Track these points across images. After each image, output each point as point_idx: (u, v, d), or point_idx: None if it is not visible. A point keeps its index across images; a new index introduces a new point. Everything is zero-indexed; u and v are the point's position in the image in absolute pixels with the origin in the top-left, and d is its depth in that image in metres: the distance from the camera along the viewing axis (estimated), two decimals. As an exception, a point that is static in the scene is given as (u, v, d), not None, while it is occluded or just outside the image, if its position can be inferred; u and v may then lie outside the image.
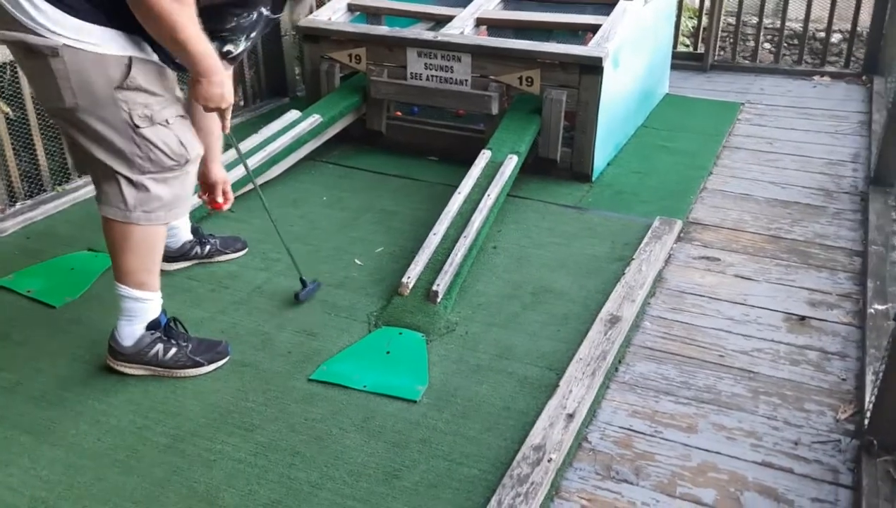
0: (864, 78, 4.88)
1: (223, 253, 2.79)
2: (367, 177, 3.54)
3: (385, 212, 3.21)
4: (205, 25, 1.85)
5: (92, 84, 1.86)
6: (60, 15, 1.80)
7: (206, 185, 2.51)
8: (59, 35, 1.81)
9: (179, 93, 2.07)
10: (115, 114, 1.90)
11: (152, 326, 2.15)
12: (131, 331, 2.14)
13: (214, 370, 2.21)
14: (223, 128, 2.14)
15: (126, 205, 2.00)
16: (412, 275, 2.56)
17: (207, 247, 2.75)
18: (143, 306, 2.12)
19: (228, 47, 2.03)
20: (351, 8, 3.99)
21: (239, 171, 3.15)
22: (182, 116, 2.03)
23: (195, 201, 2.89)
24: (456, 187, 3.01)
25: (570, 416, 2.00)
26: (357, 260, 2.81)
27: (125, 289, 2.10)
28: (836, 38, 6.78)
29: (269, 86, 4.56)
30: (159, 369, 2.17)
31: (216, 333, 2.39)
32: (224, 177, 2.52)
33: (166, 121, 1.97)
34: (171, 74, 2.04)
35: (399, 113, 4.01)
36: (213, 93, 1.93)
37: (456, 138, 3.73)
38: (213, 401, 2.11)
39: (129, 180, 1.98)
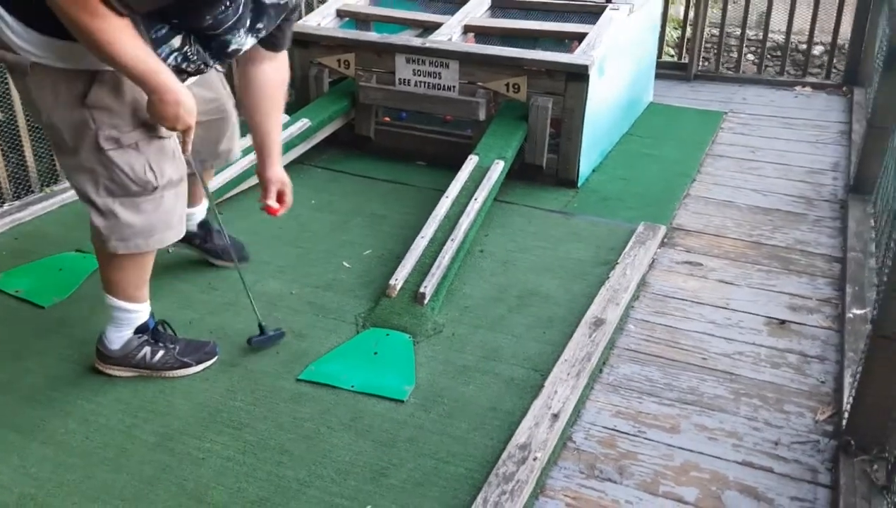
0: (844, 89, 4.97)
1: (220, 257, 2.74)
2: (355, 181, 3.57)
3: (374, 215, 3.23)
4: (188, 27, 1.77)
5: (61, 101, 1.80)
6: (28, 32, 1.73)
7: (260, 184, 2.32)
8: (28, 52, 1.76)
9: None
10: (84, 133, 1.83)
11: (140, 330, 2.15)
12: (119, 336, 2.15)
13: (203, 370, 2.22)
14: (182, 150, 1.97)
15: (101, 236, 1.95)
16: (400, 278, 2.59)
17: (208, 245, 2.71)
18: (131, 316, 2.13)
19: (233, 46, 1.87)
20: (340, 14, 4.03)
21: (228, 173, 3.18)
22: (160, 138, 1.91)
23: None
24: (444, 192, 3.05)
25: (555, 416, 2.03)
26: (345, 263, 2.84)
27: (113, 300, 2.11)
28: (818, 49, 6.89)
29: (257, 90, 4.57)
30: (147, 371, 2.18)
31: (205, 334, 2.40)
32: (280, 178, 2.27)
33: (136, 144, 1.87)
34: None
35: (388, 118, 4.04)
36: (165, 113, 1.79)
37: (444, 144, 3.77)
38: (202, 400, 2.13)
39: (97, 208, 1.92)
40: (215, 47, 1.86)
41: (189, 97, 1.80)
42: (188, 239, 2.59)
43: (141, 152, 1.88)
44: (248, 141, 3.32)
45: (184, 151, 1.98)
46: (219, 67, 2.12)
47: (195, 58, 1.85)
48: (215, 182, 3.12)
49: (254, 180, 3.20)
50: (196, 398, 2.14)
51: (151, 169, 1.91)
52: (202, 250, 2.73)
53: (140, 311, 2.15)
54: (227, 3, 1.74)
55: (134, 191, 1.91)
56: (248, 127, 2.24)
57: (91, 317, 2.43)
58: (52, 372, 2.23)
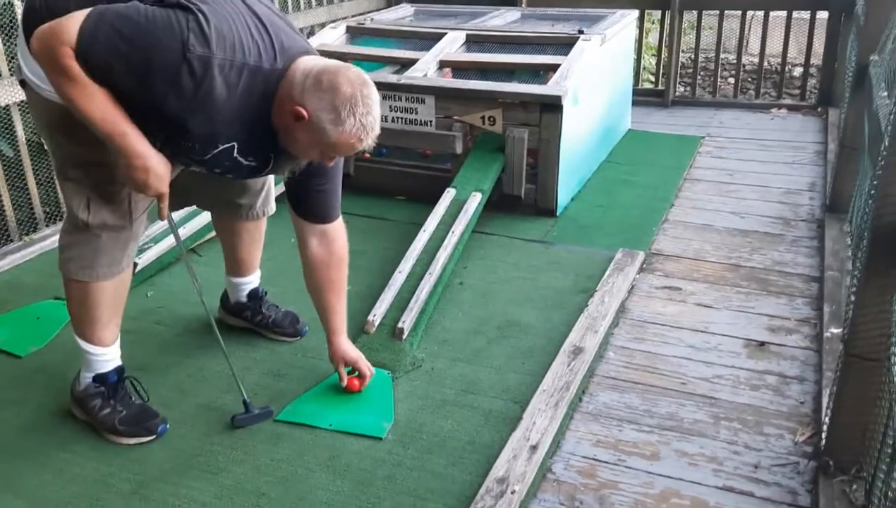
0: (819, 110, 5.03)
1: (273, 330, 2.59)
2: (335, 218, 3.57)
3: (353, 251, 3.19)
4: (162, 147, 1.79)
5: (43, 123, 1.93)
6: (25, 50, 1.82)
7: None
8: (24, 71, 1.87)
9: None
10: (56, 156, 1.97)
11: (99, 379, 2.14)
12: (84, 377, 2.15)
13: (134, 444, 2.11)
14: (160, 214, 1.92)
15: (59, 253, 2.05)
16: (378, 313, 2.59)
17: (259, 317, 2.58)
18: (89, 358, 2.13)
19: (223, 171, 1.90)
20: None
21: (207, 215, 3.18)
22: (107, 183, 1.90)
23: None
24: (422, 225, 3.06)
25: (534, 448, 2.02)
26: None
27: (75, 338, 2.13)
28: (797, 71, 6.98)
29: (238, 131, 4.60)
30: (93, 422, 2.16)
31: (181, 377, 2.39)
32: (344, 356, 2.25)
33: (79, 180, 1.93)
34: None
35: (368, 154, 4.06)
36: (133, 178, 1.77)
37: (423, 178, 3.79)
38: (179, 446, 2.11)
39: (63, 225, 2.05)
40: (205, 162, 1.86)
41: (160, 163, 1.78)
42: (238, 311, 2.61)
43: (82, 189, 1.93)
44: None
45: (160, 217, 1.93)
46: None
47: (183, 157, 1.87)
48: (194, 224, 3.13)
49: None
50: (172, 443, 2.12)
51: (88, 208, 1.94)
52: (254, 324, 2.61)
53: (99, 356, 2.13)
54: (196, 145, 1.77)
55: (74, 223, 1.99)
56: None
57: (68, 365, 2.40)
58: (28, 423, 2.21)
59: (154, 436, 2.14)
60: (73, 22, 1.63)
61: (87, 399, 2.15)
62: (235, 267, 2.56)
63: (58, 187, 2.08)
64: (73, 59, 1.62)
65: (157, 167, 1.78)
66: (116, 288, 2.08)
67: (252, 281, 2.59)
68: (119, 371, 2.18)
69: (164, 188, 1.83)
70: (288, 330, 2.60)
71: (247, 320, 2.61)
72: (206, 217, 3.17)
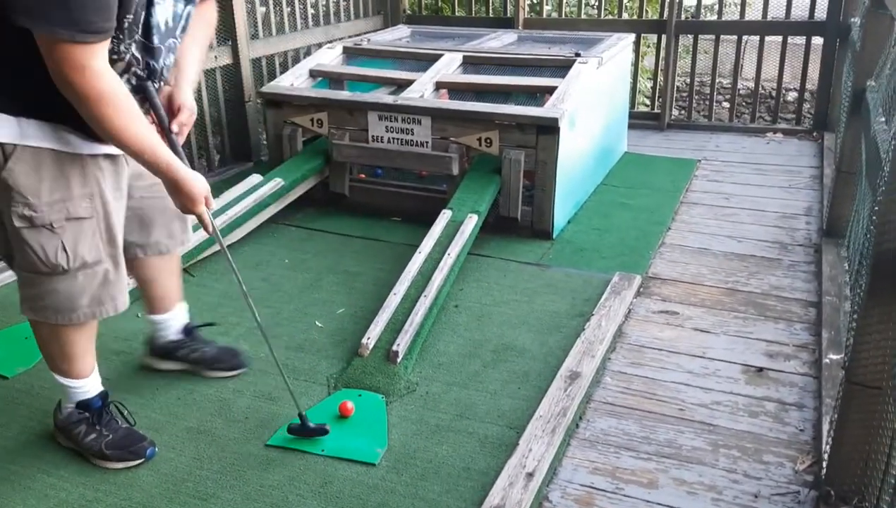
0: (815, 134, 5.04)
1: (211, 367, 2.46)
2: (330, 239, 3.55)
3: (348, 273, 3.21)
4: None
5: None
6: None
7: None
8: None
9: (106, 185, 1.88)
10: (4, 202, 1.79)
11: (82, 406, 2.09)
12: (66, 406, 2.11)
13: (122, 468, 2.07)
14: (205, 228, 1.97)
15: (20, 299, 1.92)
16: (372, 336, 2.55)
17: (196, 355, 2.45)
18: (69, 390, 2.08)
19: (156, 18, 1.78)
20: (313, 74, 4.07)
21: (201, 233, 3.15)
22: (79, 219, 1.83)
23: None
24: (418, 247, 3.03)
25: (530, 475, 1.98)
26: (318, 323, 2.80)
27: (51, 373, 2.08)
28: (791, 96, 7.02)
29: (233, 151, 4.60)
30: (79, 448, 2.11)
31: (171, 399, 2.35)
32: (185, 104, 1.99)
33: (51, 225, 1.79)
34: (102, 163, 1.86)
35: (363, 175, 4.05)
36: (180, 202, 1.86)
37: (419, 199, 3.77)
38: (167, 471, 2.06)
39: (17, 273, 1.89)
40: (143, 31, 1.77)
41: (196, 183, 1.85)
42: (170, 353, 2.45)
43: (55, 233, 1.81)
44: (215, 205, 3.34)
45: (206, 231, 2.01)
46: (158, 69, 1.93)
47: (129, 56, 1.77)
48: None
49: (225, 242, 3.20)
50: (160, 468, 2.07)
51: (64, 251, 1.83)
52: (190, 362, 2.46)
53: (76, 388, 2.08)
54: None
55: (43, 271, 1.85)
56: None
57: (55, 388, 2.36)
58: (14, 445, 2.16)
59: (142, 460, 2.09)
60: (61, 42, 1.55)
61: (72, 426, 2.10)
62: (159, 303, 2.37)
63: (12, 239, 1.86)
64: (100, 77, 1.60)
65: (195, 189, 1.85)
66: (92, 322, 2.02)
67: (180, 314, 2.44)
68: (103, 396, 2.13)
69: (201, 208, 1.89)
70: (231, 363, 2.47)
71: (182, 359, 2.45)
72: (199, 236, 3.14)
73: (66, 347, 2.01)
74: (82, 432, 2.09)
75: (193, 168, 1.91)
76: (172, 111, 1.99)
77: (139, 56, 1.79)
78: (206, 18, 2.09)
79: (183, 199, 1.86)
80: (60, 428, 2.14)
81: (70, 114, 1.70)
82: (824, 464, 1.96)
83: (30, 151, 1.75)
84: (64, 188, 1.80)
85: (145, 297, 2.37)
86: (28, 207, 1.77)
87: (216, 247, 3.24)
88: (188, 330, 2.45)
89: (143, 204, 2.13)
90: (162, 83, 1.93)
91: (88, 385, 2.10)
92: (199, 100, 4.27)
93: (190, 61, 2.04)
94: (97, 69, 1.61)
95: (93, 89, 1.61)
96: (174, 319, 2.42)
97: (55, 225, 1.80)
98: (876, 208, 1.75)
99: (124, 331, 2.70)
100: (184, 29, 1.92)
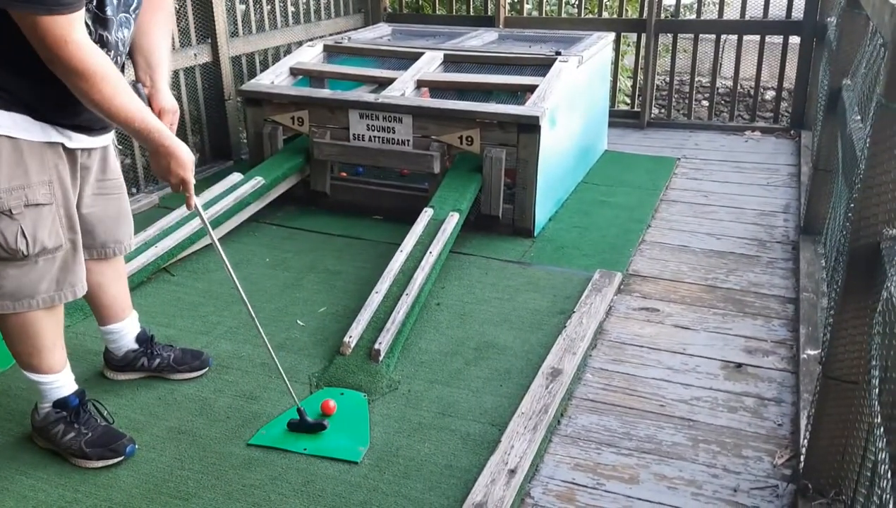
0: (792, 132, 5.10)
1: (176, 369, 2.43)
2: (311, 237, 3.54)
3: (329, 271, 3.20)
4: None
5: None
6: None
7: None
8: None
9: (65, 171, 1.89)
10: None
11: (59, 405, 2.07)
12: (42, 407, 2.09)
13: (101, 466, 2.06)
14: (187, 203, 1.99)
15: None
16: (354, 335, 2.55)
17: (157, 361, 2.41)
18: (42, 387, 2.06)
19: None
20: (293, 72, 4.05)
21: (182, 233, 3.14)
22: (38, 205, 1.83)
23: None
24: (399, 245, 3.03)
25: (512, 472, 1.99)
26: (299, 321, 2.79)
27: (21, 371, 2.05)
28: (770, 94, 7.08)
29: (213, 149, 4.57)
30: (58, 449, 2.09)
31: (151, 399, 2.34)
32: (166, 107, 2.03)
33: (10, 211, 1.79)
34: (61, 152, 1.87)
35: (344, 173, 4.05)
36: (158, 168, 1.90)
37: (400, 197, 3.77)
38: (148, 471, 2.05)
39: None
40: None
41: (180, 154, 1.88)
42: (132, 366, 2.41)
43: (14, 219, 1.81)
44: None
45: (188, 206, 2.01)
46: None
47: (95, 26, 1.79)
48: (167, 243, 3.08)
49: (205, 241, 3.20)
50: (141, 468, 2.06)
51: (24, 236, 1.83)
52: (156, 369, 2.42)
53: (49, 384, 2.06)
54: None
55: (2, 257, 1.84)
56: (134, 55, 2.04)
57: (32, 390, 2.34)
58: (-9, 447, 2.14)
59: (122, 457, 2.08)
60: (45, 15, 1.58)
61: (50, 426, 2.08)
62: (110, 311, 2.31)
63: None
64: (83, 49, 1.65)
65: (183, 155, 1.88)
66: (57, 310, 2.00)
67: (134, 323, 2.39)
68: (80, 394, 2.11)
69: (189, 175, 1.92)
70: (194, 364, 2.45)
71: (143, 369, 2.41)
72: (179, 234, 3.13)
73: (33, 339, 1.99)
74: (60, 431, 2.08)
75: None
76: (154, 114, 1.98)
77: (92, 27, 1.78)
78: (161, 5, 2.06)
79: (173, 165, 1.88)
80: (38, 430, 2.12)
81: (29, 102, 1.76)
82: (802, 458, 1.98)
83: None
84: (22, 175, 1.80)
85: (95, 308, 2.31)
86: None
87: (195, 247, 3.22)
88: (144, 339, 2.41)
89: (91, 203, 2.09)
90: (120, 59, 1.92)
91: (61, 380, 2.08)
92: (178, 98, 4.23)
93: (161, 58, 2.06)
94: (79, 41, 1.66)
95: (79, 62, 1.65)
96: (127, 328, 2.37)
97: (14, 211, 1.80)
98: (852, 205, 1.78)
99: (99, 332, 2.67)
100: (138, 5, 1.92)
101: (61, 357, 2.08)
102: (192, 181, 1.95)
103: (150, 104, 1.99)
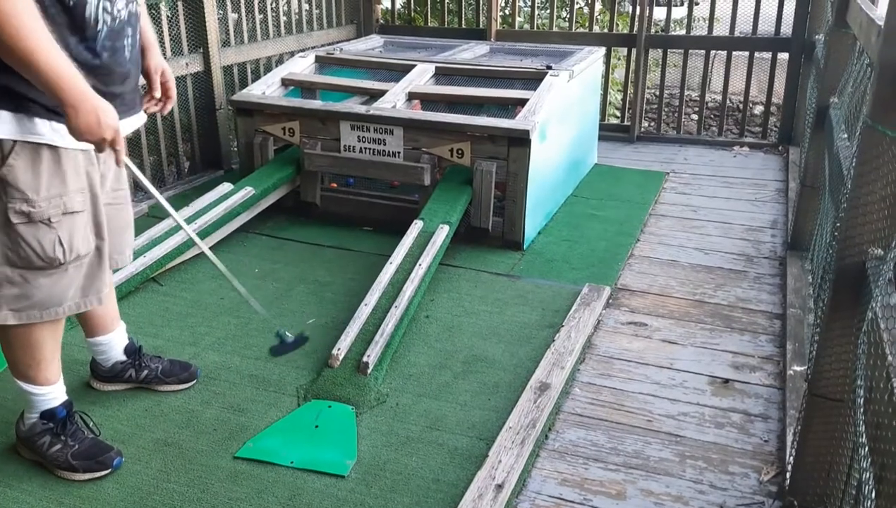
0: (780, 148, 5.14)
1: (164, 381, 2.42)
2: (300, 248, 3.54)
3: (318, 283, 3.20)
4: None
5: None
6: None
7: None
8: None
9: (95, 178, 1.89)
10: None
11: (46, 416, 2.06)
12: (29, 417, 2.08)
13: (88, 479, 2.04)
14: (117, 161, 1.84)
15: None
16: (342, 347, 2.55)
17: (145, 373, 2.39)
18: (34, 398, 2.05)
19: None
20: (285, 82, 4.05)
21: (170, 243, 3.13)
22: (74, 213, 1.83)
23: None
24: (389, 257, 3.04)
25: (500, 487, 1.99)
26: (288, 333, 2.78)
27: (15, 380, 2.04)
28: (758, 109, 7.14)
29: (203, 159, 4.56)
30: (44, 460, 2.08)
31: (138, 411, 2.32)
32: (159, 65, 2.08)
33: (48, 220, 1.79)
34: (92, 157, 1.86)
35: (335, 184, 4.05)
36: (84, 124, 1.66)
37: (391, 209, 3.77)
38: (133, 483, 2.04)
39: None
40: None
41: (106, 106, 1.70)
42: (119, 377, 2.39)
43: (52, 228, 1.81)
44: (184, 214, 3.31)
45: (117, 163, 1.84)
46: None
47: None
48: (156, 252, 3.07)
49: (194, 251, 3.19)
50: (126, 481, 2.05)
51: (61, 244, 1.84)
52: (144, 380, 2.40)
53: (42, 395, 2.05)
54: None
55: (38, 265, 1.84)
56: None
57: (18, 398, 2.32)
58: (-26, 458, 2.12)
59: (109, 470, 2.07)
60: None
61: (35, 437, 2.06)
62: (100, 322, 2.30)
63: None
64: None
65: (105, 106, 1.69)
66: (60, 323, 2.00)
67: (122, 334, 2.37)
68: (67, 405, 2.10)
69: (116, 129, 1.72)
70: (182, 376, 2.44)
71: (131, 380, 2.39)
72: (168, 244, 3.12)
73: (34, 351, 1.98)
74: (46, 443, 2.06)
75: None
76: (151, 78, 2.07)
77: None
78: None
79: (103, 117, 1.68)
80: (23, 440, 2.10)
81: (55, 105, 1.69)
82: (788, 475, 1.99)
83: (29, 147, 1.75)
84: (60, 184, 1.80)
85: (84, 319, 2.28)
86: (26, 203, 1.77)
87: (184, 257, 3.21)
88: (132, 351, 2.39)
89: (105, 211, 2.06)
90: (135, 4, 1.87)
91: (54, 392, 2.07)
92: (169, 107, 4.23)
93: (149, 38, 2.07)
94: None
95: None
96: (116, 340, 2.36)
97: (52, 219, 1.80)
98: (838, 224, 1.79)
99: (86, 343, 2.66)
100: None
101: (57, 369, 2.06)
102: (121, 144, 1.77)
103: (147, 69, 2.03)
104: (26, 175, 1.76)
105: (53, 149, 1.78)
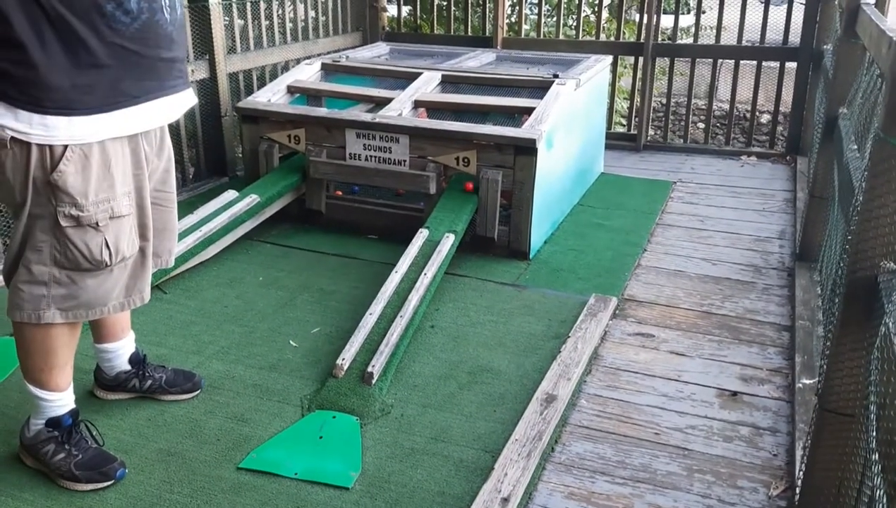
0: (788, 158, 5.11)
1: (168, 391, 2.40)
2: (305, 256, 3.53)
3: (323, 291, 3.18)
4: None
5: (30, 174, 1.76)
6: (4, 106, 1.70)
7: None
8: (5, 127, 1.72)
9: (143, 181, 1.92)
10: (45, 207, 1.80)
11: (52, 424, 2.05)
12: (34, 423, 2.06)
13: (90, 489, 2.03)
14: None
15: (36, 306, 1.87)
16: (347, 357, 2.53)
17: (149, 383, 2.38)
18: (42, 403, 2.03)
19: None
20: (291, 90, 4.05)
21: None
22: (121, 217, 1.87)
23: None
24: (394, 265, 3.02)
25: (506, 500, 1.96)
26: (292, 342, 2.77)
27: (26, 384, 2.03)
28: (765, 118, 7.12)
29: (208, 166, 4.55)
30: (46, 469, 2.06)
31: (141, 420, 2.31)
32: None
33: (96, 224, 1.83)
34: (140, 159, 1.90)
35: (340, 192, 4.04)
36: None
37: (396, 217, 3.76)
38: (136, 494, 2.02)
39: (36, 277, 1.85)
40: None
41: None
42: (123, 387, 2.38)
43: (99, 231, 1.84)
44: (189, 221, 3.30)
45: None
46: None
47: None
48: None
49: (198, 259, 3.18)
50: (129, 491, 2.03)
51: (108, 247, 1.87)
52: (147, 390, 2.39)
53: (51, 401, 2.03)
54: None
55: (84, 267, 1.87)
56: None
57: (21, 405, 2.32)
58: (-24, 467, 2.11)
59: (112, 481, 2.05)
60: None
61: (39, 445, 2.05)
62: (111, 329, 2.30)
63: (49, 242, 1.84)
64: None
65: None
66: (76, 328, 2.01)
67: (130, 343, 2.37)
68: (73, 413, 2.09)
69: None
70: (186, 386, 2.42)
71: (134, 390, 2.38)
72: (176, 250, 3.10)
73: (50, 356, 1.98)
74: (50, 451, 2.04)
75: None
76: None
77: None
78: None
79: None
80: (27, 447, 2.08)
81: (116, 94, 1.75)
82: (797, 490, 1.96)
83: (79, 150, 1.77)
84: (108, 188, 1.83)
85: (96, 324, 2.28)
86: (75, 207, 1.80)
87: (189, 265, 3.20)
88: (137, 361, 2.38)
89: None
90: (169, 16, 1.86)
91: (63, 400, 2.06)
92: (175, 113, 4.22)
93: None
94: None
95: None
96: (124, 349, 2.35)
97: (100, 223, 1.83)
98: (849, 237, 1.77)
99: (91, 349, 2.64)
100: None
101: (69, 376, 2.06)
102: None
103: None
104: (76, 180, 1.78)
105: (103, 147, 1.80)
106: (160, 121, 1.96)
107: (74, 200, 1.80)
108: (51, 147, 1.75)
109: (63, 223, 1.81)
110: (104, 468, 2.06)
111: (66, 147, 1.76)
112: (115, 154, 1.84)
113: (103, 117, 1.79)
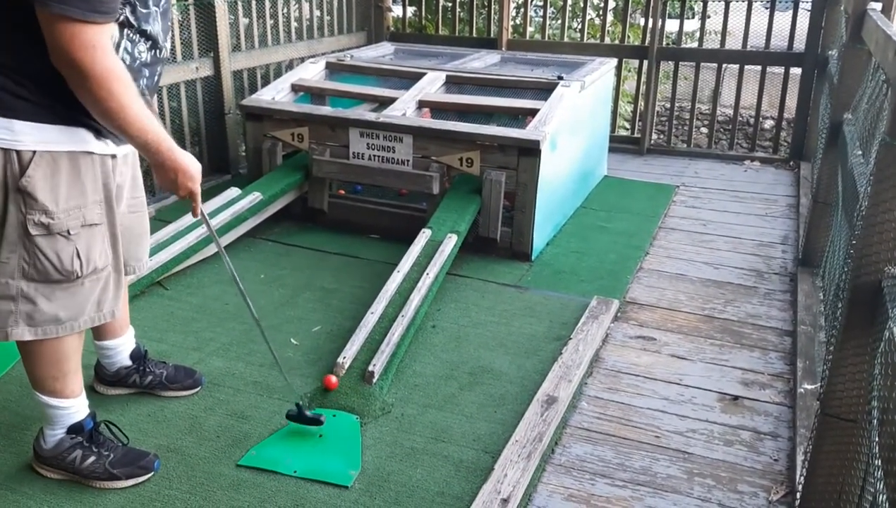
0: (791, 163, 5.11)
1: (168, 387, 2.40)
2: (307, 254, 3.53)
3: (324, 290, 3.18)
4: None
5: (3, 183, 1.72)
6: None
7: None
8: None
9: (112, 189, 1.88)
10: (13, 215, 1.74)
11: (74, 430, 2.01)
12: (52, 434, 2.02)
13: (132, 485, 2.03)
14: (193, 212, 1.96)
15: (5, 321, 1.80)
16: (348, 356, 2.53)
17: (149, 378, 2.37)
18: (59, 412, 2.00)
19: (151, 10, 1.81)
20: (295, 88, 4.05)
21: (176, 248, 3.12)
22: (92, 225, 1.82)
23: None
24: (396, 265, 3.02)
25: (505, 501, 1.96)
26: (293, 340, 2.77)
27: (39, 396, 1.98)
28: (768, 123, 7.12)
29: (211, 163, 4.55)
30: (77, 476, 2.03)
31: (141, 416, 2.30)
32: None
33: (67, 232, 1.78)
34: (109, 169, 1.85)
35: (342, 191, 4.03)
36: (163, 182, 1.85)
37: (398, 217, 3.76)
38: (134, 489, 2.02)
39: (7, 292, 1.78)
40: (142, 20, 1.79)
41: (185, 165, 1.84)
42: (123, 382, 2.38)
43: (70, 240, 1.79)
44: (191, 218, 3.29)
45: (193, 214, 1.98)
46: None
47: (137, 38, 1.80)
48: (162, 256, 3.06)
49: (200, 256, 3.18)
50: (127, 486, 2.02)
51: (79, 257, 1.81)
52: (148, 386, 2.38)
53: (69, 409, 2.00)
54: None
55: (55, 278, 1.81)
56: None
57: (20, 401, 2.32)
58: (-24, 461, 2.10)
59: (152, 473, 2.05)
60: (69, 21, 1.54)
61: (64, 454, 2.01)
62: (111, 327, 2.28)
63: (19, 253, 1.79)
64: (108, 54, 1.61)
65: (191, 167, 1.85)
66: (82, 333, 1.98)
67: (130, 339, 2.36)
68: (93, 415, 2.06)
69: (197, 187, 1.89)
70: (186, 383, 2.41)
71: (135, 386, 2.38)
72: (174, 248, 3.11)
73: (61, 364, 1.94)
74: (78, 457, 2.01)
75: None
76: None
77: (134, 22, 1.76)
78: None
79: (181, 178, 1.84)
80: (47, 459, 2.03)
81: (86, 115, 1.72)
82: (798, 495, 1.96)
83: (48, 157, 1.73)
84: (79, 195, 1.79)
85: None
86: (45, 214, 1.75)
87: (191, 261, 3.20)
88: (137, 356, 2.37)
89: (123, 220, 2.05)
90: (161, 52, 1.90)
91: (78, 405, 2.03)
92: (178, 110, 4.23)
93: None
94: (105, 46, 1.62)
95: (101, 66, 1.60)
96: (124, 345, 2.34)
97: (71, 231, 1.79)
98: (853, 242, 1.77)
99: (92, 345, 2.64)
100: None
101: (80, 380, 2.03)
102: (199, 191, 1.92)
103: None
104: (45, 186, 1.73)
105: (73, 157, 1.76)
106: (124, 149, 1.93)
107: (45, 207, 1.74)
108: (18, 152, 1.70)
109: (33, 232, 1.75)
110: (141, 462, 2.06)
111: (34, 152, 1.71)
112: (84, 162, 1.79)
113: (71, 130, 1.75)
